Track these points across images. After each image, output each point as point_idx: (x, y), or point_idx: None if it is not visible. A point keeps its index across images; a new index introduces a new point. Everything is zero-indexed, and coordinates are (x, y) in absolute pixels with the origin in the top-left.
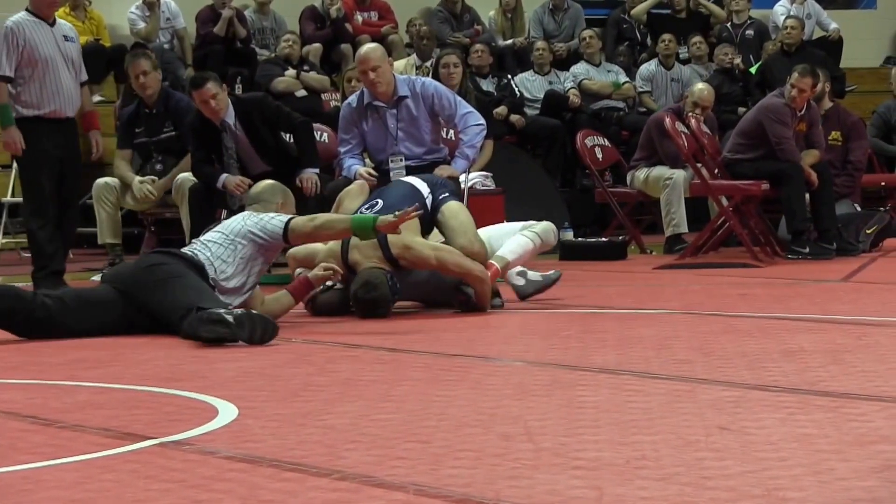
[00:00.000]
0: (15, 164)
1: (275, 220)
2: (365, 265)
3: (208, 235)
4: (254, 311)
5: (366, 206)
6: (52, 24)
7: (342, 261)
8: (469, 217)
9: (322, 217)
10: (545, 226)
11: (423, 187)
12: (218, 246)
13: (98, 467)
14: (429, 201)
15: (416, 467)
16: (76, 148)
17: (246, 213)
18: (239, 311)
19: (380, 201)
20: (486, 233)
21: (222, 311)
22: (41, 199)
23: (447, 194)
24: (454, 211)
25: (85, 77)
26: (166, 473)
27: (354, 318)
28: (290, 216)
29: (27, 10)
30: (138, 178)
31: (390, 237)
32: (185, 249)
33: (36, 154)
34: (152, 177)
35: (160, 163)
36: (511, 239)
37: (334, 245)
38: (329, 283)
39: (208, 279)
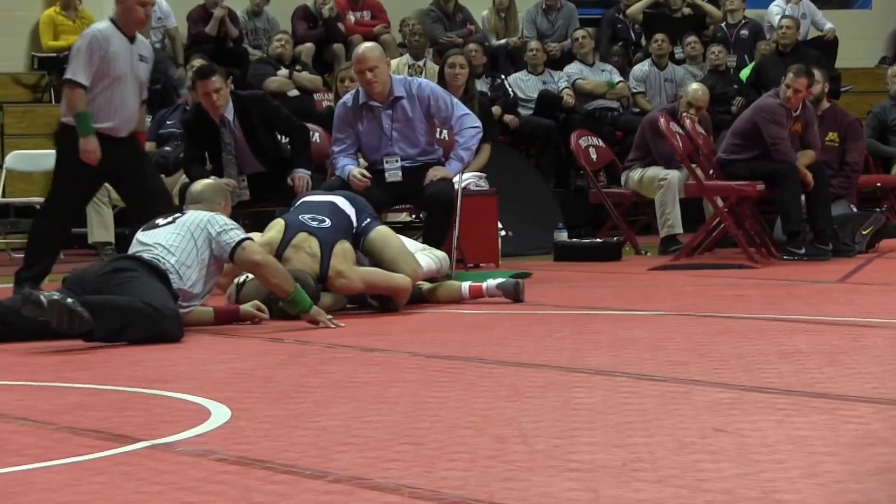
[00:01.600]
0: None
1: (229, 236)
2: (294, 265)
3: (169, 239)
4: (69, 302)
5: (310, 218)
6: (132, 40)
7: (276, 252)
8: (399, 240)
9: (273, 262)
10: (444, 255)
11: (351, 211)
12: (182, 251)
13: (89, 469)
14: (354, 226)
15: (409, 469)
16: (135, 163)
17: (206, 213)
18: (56, 295)
19: (327, 220)
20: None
21: (42, 294)
22: (62, 206)
23: (370, 220)
24: (384, 239)
25: (146, 96)
26: (158, 476)
27: (345, 318)
28: (245, 236)
29: (112, 20)
30: None
31: (333, 260)
32: (147, 256)
33: (76, 164)
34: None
35: (171, 146)
36: (420, 255)
37: (275, 235)
38: (250, 275)
39: (171, 287)
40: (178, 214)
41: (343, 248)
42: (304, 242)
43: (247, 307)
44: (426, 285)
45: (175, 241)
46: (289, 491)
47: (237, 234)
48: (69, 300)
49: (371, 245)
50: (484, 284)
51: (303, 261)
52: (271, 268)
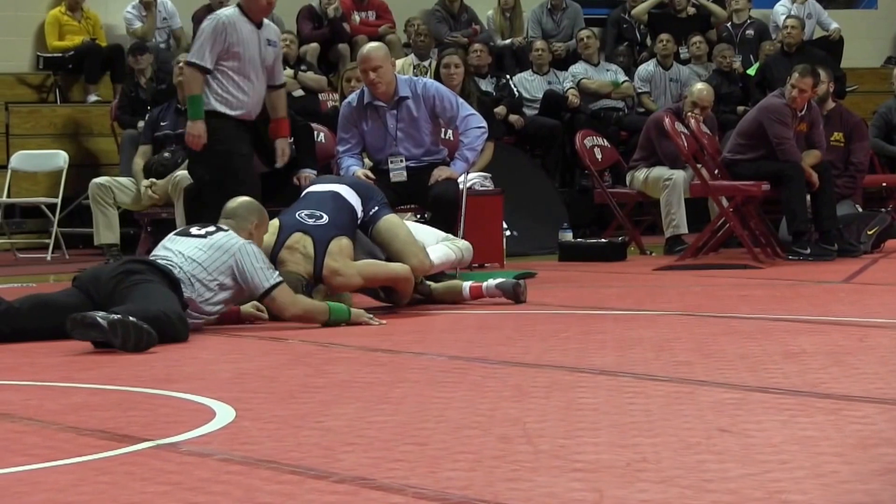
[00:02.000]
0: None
1: (260, 277)
2: (288, 268)
3: (193, 252)
4: (131, 319)
5: (307, 214)
6: (259, 26)
7: (270, 255)
8: (406, 231)
9: (304, 304)
10: (467, 245)
11: (356, 201)
12: (201, 269)
13: (94, 469)
14: (360, 215)
15: (414, 469)
16: (257, 150)
17: (237, 241)
18: (115, 316)
19: (324, 216)
20: (411, 227)
21: (98, 315)
22: (200, 190)
23: (377, 208)
24: (393, 227)
25: (282, 80)
26: (162, 475)
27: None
28: (277, 281)
29: (239, 6)
30: (144, 182)
31: (327, 258)
32: (162, 262)
33: (213, 150)
34: (153, 178)
35: (170, 152)
36: (438, 246)
37: (269, 239)
38: None
39: (181, 296)
40: (213, 229)
41: (339, 244)
42: (298, 243)
43: (247, 308)
44: (436, 285)
45: (198, 256)
46: (293, 491)
47: (269, 276)
48: (130, 318)
49: (379, 236)
50: (484, 284)
51: (297, 262)
52: (303, 315)
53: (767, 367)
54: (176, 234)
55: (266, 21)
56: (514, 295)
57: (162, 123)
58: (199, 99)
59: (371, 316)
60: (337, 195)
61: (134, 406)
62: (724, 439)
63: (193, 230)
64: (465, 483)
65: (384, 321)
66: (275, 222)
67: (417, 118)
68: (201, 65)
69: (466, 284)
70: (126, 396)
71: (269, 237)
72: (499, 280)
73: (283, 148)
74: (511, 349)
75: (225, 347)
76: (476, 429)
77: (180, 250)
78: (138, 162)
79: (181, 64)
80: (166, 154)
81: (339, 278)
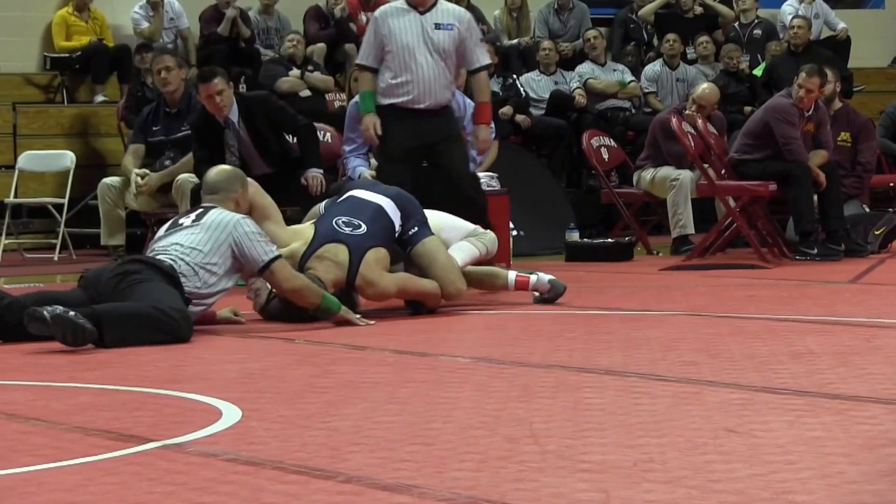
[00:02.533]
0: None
1: (259, 250)
2: (317, 274)
3: (190, 238)
4: (71, 314)
5: (345, 223)
6: (425, 11)
7: (298, 265)
8: (446, 255)
9: (302, 280)
10: (493, 237)
11: (396, 216)
12: (200, 253)
13: (100, 469)
14: (398, 232)
15: (420, 470)
16: (443, 139)
17: (230, 216)
18: (59, 310)
19: (363, 225)
20: (436, 222)
21: (45, 309)
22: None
23: (417, 228)
24: (432, 253)
25: (478, 64)
26: (169, 476)
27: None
28: (276, 254)
29: None
30: (135, 170)
31: (362, 267)
32: (162, 256)
33: (384, 143)
34: (146, 170)
35: (170, 159)
36: (463, 244)
37: (299, 248)
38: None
39: (182, 290)
40: (202, 211)
41: (376, 255)
42: (329, 252)
43: (223, 313)
44: (472, 268)
45: (195, 242)
46: (300, 491)
47: (267, 249)
48: (71, 313)
49: (418, 258)
50: (533, 278)
51: (326, 269)
52: (298, 290)
53: (774, 367)
54: (168, 229)
55: (440, 4)
56: (556, 294)
57: (154, 128)
58: (366, 94)
59: (359, 317)
60: (379, 208)
61: (140, 406)
62: (731, 439)
63: (182, 220)
64: (472, 483)
65: (372, 321)
66: (309, 229)
67: None
68: (362, 64)
69: (513, 275)
70: (132, 397)
71: (300, 247)
72: (550, 277)
73: (481, 135)
74: (517, 349)
75: (231, 347)
76: (482, 429)
77: (177, 242)
78: (128, 160)
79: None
80: (167, 162)
81: (372, 289)
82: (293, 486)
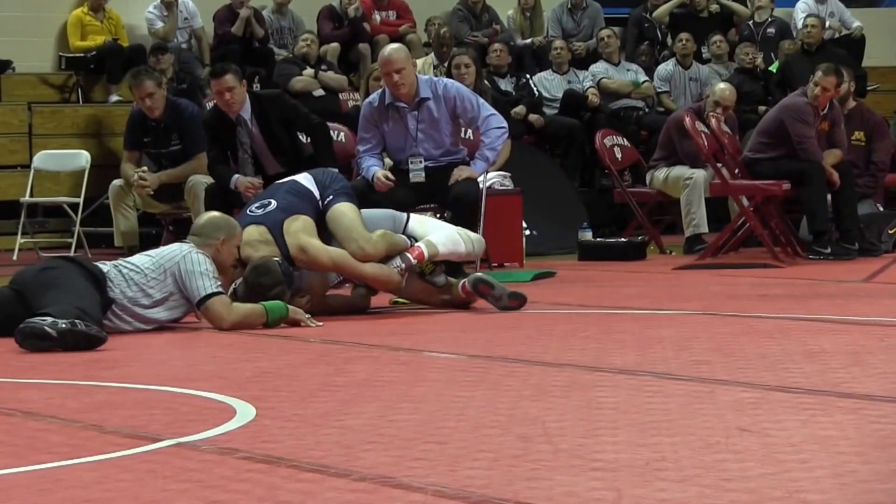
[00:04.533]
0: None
1: (197, 284)
2: (257, 255)
3: (140, 259)
4: (78, 325)
5: (257, 206)
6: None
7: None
8: (355, 216)
9: (239, 312)
10: (479, 237)
11: (314, 188)
12: (143, 276)
13: (116, 467)
14: (319, 203)
15: (434, 468)
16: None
17: (184, 249)
18: (64, 324)
19: (272, 202)
20: (423, 225)
21: (47, 324)
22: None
23: (332, 196)
24: (339, 215)
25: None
26: (184, 473)
27: (371, 317)
28: (214, 291)
29: None
30: (137, 170)
31: (287, 238)
32: (101, 262)
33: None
34: (144, 167)
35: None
36: (449, 232)
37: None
38: (235, 284)
39: (105, 292)
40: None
41: (294, 223)
42: (253, 235)
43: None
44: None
45: (141, 262)
46: (314, 489)
47: (206, 285)
48: (68, 325)
49: (328, 223)
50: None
51: (261, 251)
52: (239, 323)
53: (787, 366)
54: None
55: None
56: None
57: (145, 139)
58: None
59: (309, 317)
60: (293, 181)
61: (155, 405)
62: (744, 438)
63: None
64: (485, 482)
65: (321, 323)
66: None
67: (438, 119)
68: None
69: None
70: (148, 395)
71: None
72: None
73: None
74: (531, 348)
75: (246, 347)
76: (496, 428)
77: (130, 259)
78: (126, 167)
79: None
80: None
81: (305, 254)
82: (307, 485)
